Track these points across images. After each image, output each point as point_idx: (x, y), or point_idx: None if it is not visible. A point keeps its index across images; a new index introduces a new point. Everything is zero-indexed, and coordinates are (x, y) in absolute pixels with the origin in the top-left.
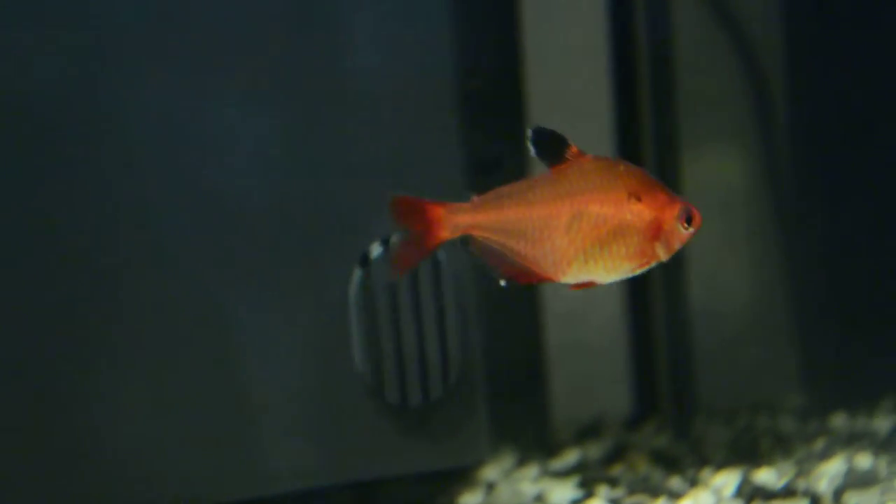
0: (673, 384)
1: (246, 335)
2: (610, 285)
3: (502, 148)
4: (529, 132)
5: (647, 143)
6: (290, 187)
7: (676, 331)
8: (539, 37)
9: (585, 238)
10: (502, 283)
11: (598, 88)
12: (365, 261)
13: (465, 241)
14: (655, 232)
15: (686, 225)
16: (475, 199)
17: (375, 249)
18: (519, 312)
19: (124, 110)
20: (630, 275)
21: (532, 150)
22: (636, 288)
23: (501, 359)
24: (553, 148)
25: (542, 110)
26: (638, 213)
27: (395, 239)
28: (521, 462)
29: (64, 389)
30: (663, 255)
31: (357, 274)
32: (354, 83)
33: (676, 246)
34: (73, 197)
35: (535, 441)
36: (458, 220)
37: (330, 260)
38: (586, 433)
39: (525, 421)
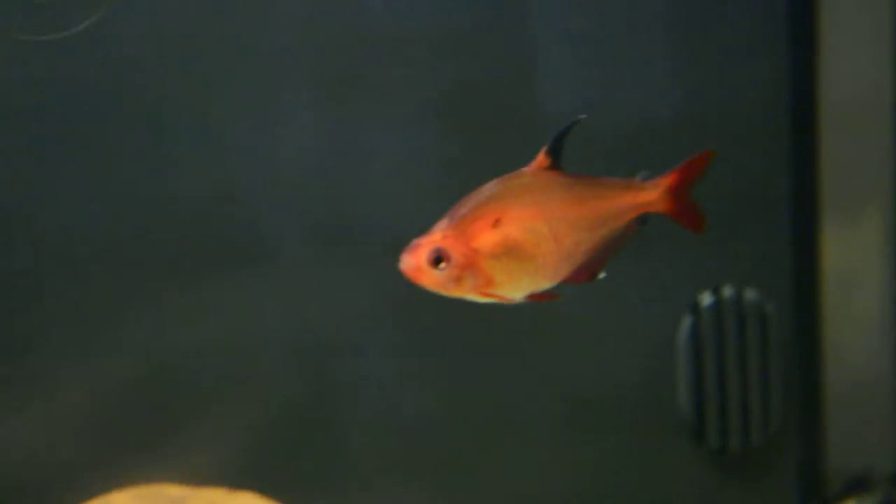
0: None
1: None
2: None
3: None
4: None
5: None
6: None
7: None
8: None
9: None
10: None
11: None
12: (695, 308)
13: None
14: None
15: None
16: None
17: (706, 298)
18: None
19: None
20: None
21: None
22: None
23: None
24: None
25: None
26: None
27: (726, 291)
28: None
29: None
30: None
31: (687, 321)
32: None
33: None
34: None
35: (808, 492)
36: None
37: (658, 307)
38: (854, 486)
39: (801, 470)
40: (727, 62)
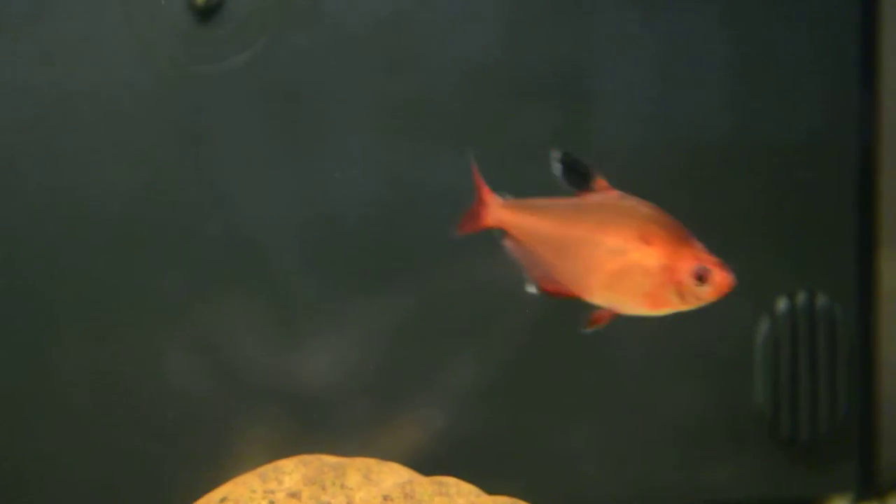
0: None
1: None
2: None
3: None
4: (558, 154)
5: None
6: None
7: None
8: None
9: (600, 268)
10: (531, 289)
11: None
12: (772, 313)
13: (502, 236)
14: (668, 279)
15: (698, 282)
16: (509, 200)
17: (782, 303)
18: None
19: None
20: (652, 314)
21: (559, 170)
22: None
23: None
24: (578, 175)
25: None
26: (646, 255)
27: (801, 297)
28: (858, 501)
29: None
30: (677, 305)
31: (765, 324)
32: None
33: (691, 301)
34: None
35: (864, 482)
36: (502, 216)
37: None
38: None
39: (859, 462)
40: (798, 83)
